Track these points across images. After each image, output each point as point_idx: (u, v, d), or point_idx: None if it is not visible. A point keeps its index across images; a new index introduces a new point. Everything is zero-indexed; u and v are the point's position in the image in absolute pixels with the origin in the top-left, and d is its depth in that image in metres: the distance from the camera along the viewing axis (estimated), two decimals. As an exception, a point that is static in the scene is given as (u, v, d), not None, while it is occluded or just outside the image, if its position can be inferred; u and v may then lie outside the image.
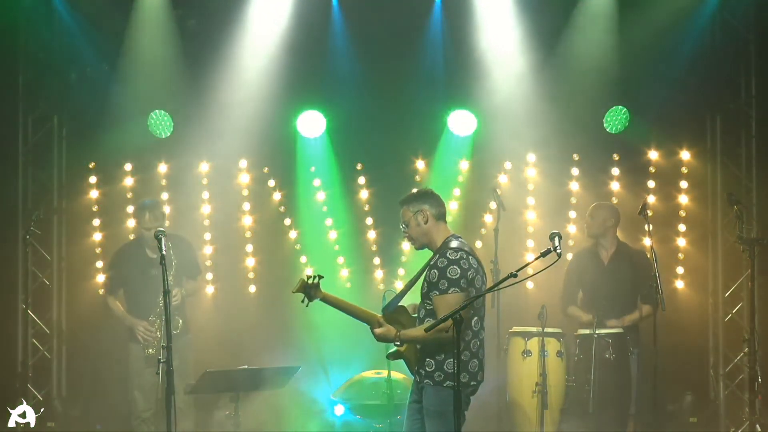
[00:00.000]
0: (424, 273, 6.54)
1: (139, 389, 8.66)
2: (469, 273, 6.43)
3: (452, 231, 6.67)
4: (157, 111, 10.25)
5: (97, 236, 10.46)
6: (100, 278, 10.40)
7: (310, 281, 6.63)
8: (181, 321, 8.52)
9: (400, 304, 6.70)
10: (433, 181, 10.48)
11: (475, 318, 6.49)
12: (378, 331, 6.54)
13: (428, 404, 6.50)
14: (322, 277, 6.66)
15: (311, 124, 10.38)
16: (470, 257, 6.49)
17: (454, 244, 6.52)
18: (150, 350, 8.64)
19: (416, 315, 6.64)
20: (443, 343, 6.32)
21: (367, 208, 10.52)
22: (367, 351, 9.17)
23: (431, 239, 6.61)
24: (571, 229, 10.32)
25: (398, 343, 6.53)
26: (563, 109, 10.16)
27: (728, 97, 10.25)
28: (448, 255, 6.45)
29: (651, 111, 10.16)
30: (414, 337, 6.48)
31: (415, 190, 6.80)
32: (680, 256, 10.30)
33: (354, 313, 6.67)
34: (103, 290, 9.90)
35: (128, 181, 10.48)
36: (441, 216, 6.64)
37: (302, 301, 6.67)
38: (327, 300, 6.67)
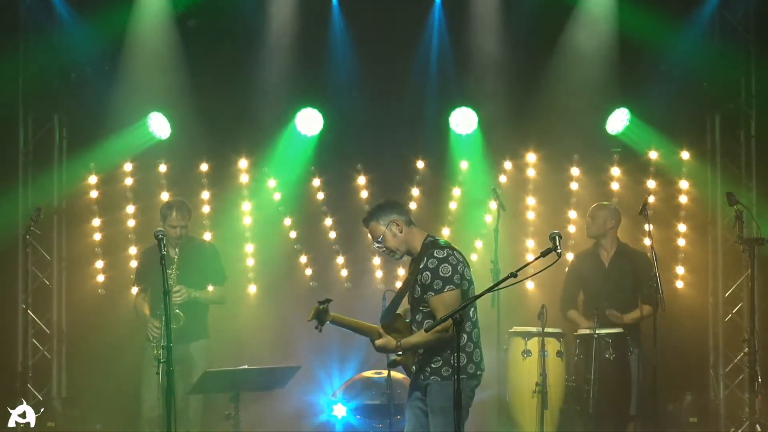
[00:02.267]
0: (415, 277, 6.53)
1: (146, 389, 8.62)
2: (459, 267, 6.47)
3: (426, 232, 6.70)
4: (154, 113, 10.24)
5: (97, 236, 10.47)
6: (100, 278, 10.42)
7: (321, 307, 6.62)
8: (181, 314, 8.46)
9: (397, 312, 6.71)
10: (433, 181, 10.50)
11: (471, 309, 6.52)
12: (378, 342, 6.53)
13: (435, 401, 6.51)
14: (330, 300, 6.65)
15: (309, 122, 10.36)
16: (455, 251, 6.53)
17: (437, 242, 6.57)
18: (156, 351, 8.52)
19: (408, 320, 6.64)
20: (447, 340, 6.35)
21: (367, 208, 10.49)
22: (367, 351, 9.16)
23: (410, 245, 6.63)
24: (571, 229, 10.32)
25: (400, 353, 6.54)
26: (563, 109, 10.16)
27: (728, 97, 10.25)
28: (435, 255, 6.47)
29: (651, 111, 10.15)
30: (415, 343, 6.50)
31: (376, 204, 6.78)
32: (680, 256, 10.30)
33: (358, 328, 6.68)
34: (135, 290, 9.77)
35: (128, 181, 10.49)
36: (411, 221, 6.68)
37: (315, 328, 6.66)
38: (336, 321, 6.66)
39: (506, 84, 10.19)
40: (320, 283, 10.55)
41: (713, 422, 10.03)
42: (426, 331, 6.24)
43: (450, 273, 6.42)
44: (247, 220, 10.54)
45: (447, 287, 6.40)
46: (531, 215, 10.44)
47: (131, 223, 10.44)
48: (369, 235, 6.77)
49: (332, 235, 10.57)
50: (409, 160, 10.48)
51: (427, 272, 6.44)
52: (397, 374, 8.75)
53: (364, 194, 10.50)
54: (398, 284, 10.08)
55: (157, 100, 10.24)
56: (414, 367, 6.63)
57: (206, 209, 10.49)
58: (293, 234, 10.56)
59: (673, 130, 10.28)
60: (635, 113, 10.20)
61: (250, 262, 10.53)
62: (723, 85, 10.22)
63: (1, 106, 10.20)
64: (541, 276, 6.90)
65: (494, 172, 10.45)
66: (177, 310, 8.40)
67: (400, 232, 6.60)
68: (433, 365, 6.53)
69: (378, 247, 6.68)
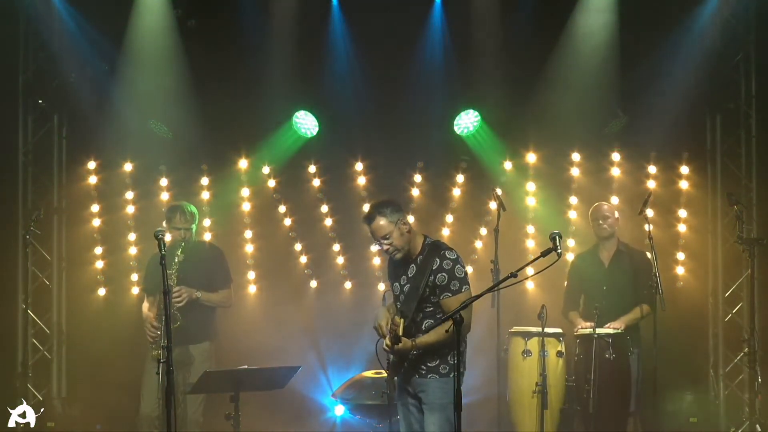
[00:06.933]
0: (426, 278, 6.51)
1: (146, 389, 8.61)
2: (465, 268, 6.61)
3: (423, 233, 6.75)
4: (153, 120, 10.25)
5: (97, 236, 10.46)
6: (100, 278, 10.42)
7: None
8: (179, 315, 8.43)
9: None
10: (433, 181, 10.50)
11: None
12: (398, 345, 6.47)
13: (434, 398, 6.55)
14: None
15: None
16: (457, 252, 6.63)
17: (442, 244, 6.66)
18: (156, 352, 8.49)
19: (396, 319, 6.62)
20: (450, 340, 6.34)
21: (367, 209, 10.48)
22: (367, 351, 9.17)
23: (413, 245, 6.67)
24: (571, 229, 10.32)
25: (417, 351, 6.54)
26: (563, 109, 10.15)
27: (728, 97, 10.25)
28: (448, 256, 6.54)
29: (651, 111, 10.15)
30: (430, 343, 6.51)
31: (380, 201, 6.79)
32: (680, 256, 10.30)
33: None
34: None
35: (128, 181, 10.48)
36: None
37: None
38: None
39: (506, 84, 10.18)
40: (321, 284, 10.55)
41: (713, 422, 10.03)
42: (447, 331, 6.25)
43: (464, 274, 6.55)
44: (246, 221, 10.54)
45: (464, 287, 6.52)
46: (531, 215, 10.44)
47: (131, 223, 10.44)
48: (371, 233, 6.69)
49: (333, 235, 10.56)
50: (409, 160, 10.48)
51: (443, 273, 6.50)
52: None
53: (364, 195, 10.49)
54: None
55: (157, 100, 10.24)
56: (405, 365, 6.63)
57: (206, 209, 10.49)
58: (293, 234, 10.56)
59: (674, 130, 10.27)
60: (635, 113, 10.20)
61: (250, 262, 10.53)
62: (723, 85, 10.22)
63: (1, 105, 10.21)
64: (541, 276, 6.93)
65: (494, 172, 10.45)
66: (175, 311, 8.38)
67: (408, 231, 6.63)
68: (429, 364, 6.57)
69: (384, 244, 6.62)
